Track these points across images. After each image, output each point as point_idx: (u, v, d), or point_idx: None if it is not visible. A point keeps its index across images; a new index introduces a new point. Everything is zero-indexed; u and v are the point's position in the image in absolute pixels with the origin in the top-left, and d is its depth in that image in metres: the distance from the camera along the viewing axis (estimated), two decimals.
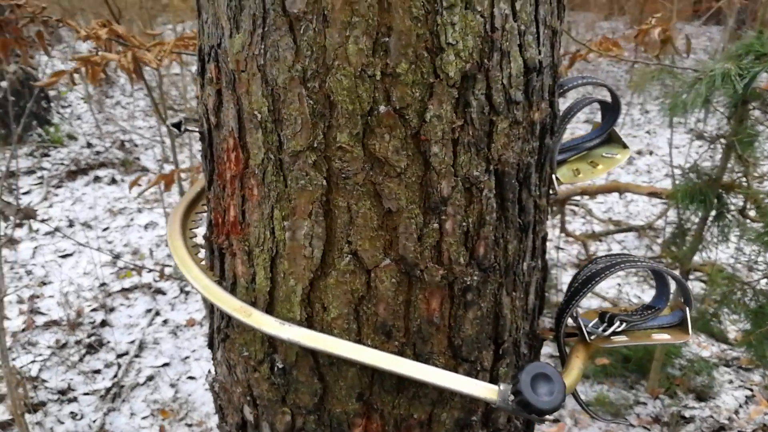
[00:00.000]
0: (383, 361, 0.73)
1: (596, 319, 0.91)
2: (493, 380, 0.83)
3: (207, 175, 0.84)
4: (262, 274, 0.78)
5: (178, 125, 0.79)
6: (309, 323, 0.76)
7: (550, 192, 0.97)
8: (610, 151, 1.03)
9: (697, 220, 2.32)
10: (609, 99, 1.00)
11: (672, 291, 0.94)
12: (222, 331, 0.87)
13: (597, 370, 2.78)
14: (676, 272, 0.91)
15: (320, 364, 0.78)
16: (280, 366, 0.79)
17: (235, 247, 0.80)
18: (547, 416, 0.73)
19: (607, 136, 1.06)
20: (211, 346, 0.94)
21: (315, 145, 0.69)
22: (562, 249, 3.79)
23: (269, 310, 0.78)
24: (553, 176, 0.97)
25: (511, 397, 0.72)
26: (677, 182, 2.28)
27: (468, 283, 0.76)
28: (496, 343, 0.82)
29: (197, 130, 0.81)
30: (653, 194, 2.25)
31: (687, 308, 0.89)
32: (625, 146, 1.05)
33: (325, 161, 0.70)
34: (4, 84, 3.84)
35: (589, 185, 2.75)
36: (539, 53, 0.75)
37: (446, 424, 0.81)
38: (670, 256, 2.45)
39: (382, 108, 0.67)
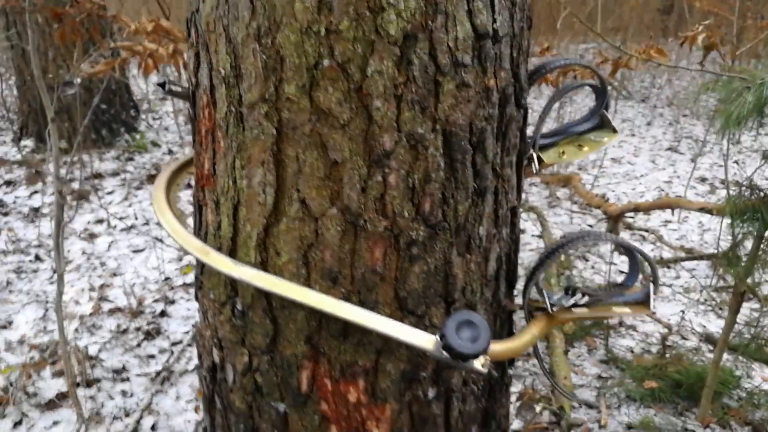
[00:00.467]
0: (326, 304, 0.78)
1: (561, 292, 0.91)
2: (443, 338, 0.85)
3: (192, 134, 0.92)
4: (225, 221, 0.84)
5: (162, 85, 0.88)
6: (263, 267, 0.82)
7: (533, 169, 1.00)
8: (599, 135, 1.04)
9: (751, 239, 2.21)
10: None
11: (646, 272, 0.93)
12: (198, 279, 0.94)
13: (645, 393, 2.67)
14: (642, 248, 0.90)
15: (273, 306, 0.83)
16: (239, 308, 0.85)
17: (207, 198, 0.87)
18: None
19: (599, 121, 1.07)
20: (196, 297, 1.01)
21: (267, 97, 0.76)
22: (623, 272, 3.66)
23: (231, 255, 0.84)
24: (534, 155, 0.99)
25: (441, 344, 0.74)
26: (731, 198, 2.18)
27: (413, 237, 0.80)
28: (447, 301, 0.85)
29: (180, 91, 0.89)
30: (704, 210, 2.16)
31: (652, 285, 0.88)
32: (614, 131, 1.05)
33: (276, 112, 0.76)
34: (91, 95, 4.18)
35: (642, 202, 2.68)
36: (493, 21, 0.79)
37: (391, 374, 0.84)
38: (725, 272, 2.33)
39: (326, 62, 0.73)
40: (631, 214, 4.22)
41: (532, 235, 4.43)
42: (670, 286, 3.58)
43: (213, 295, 0.89)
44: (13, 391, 2.64)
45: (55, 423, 2.51)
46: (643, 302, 0.89)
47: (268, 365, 0.85)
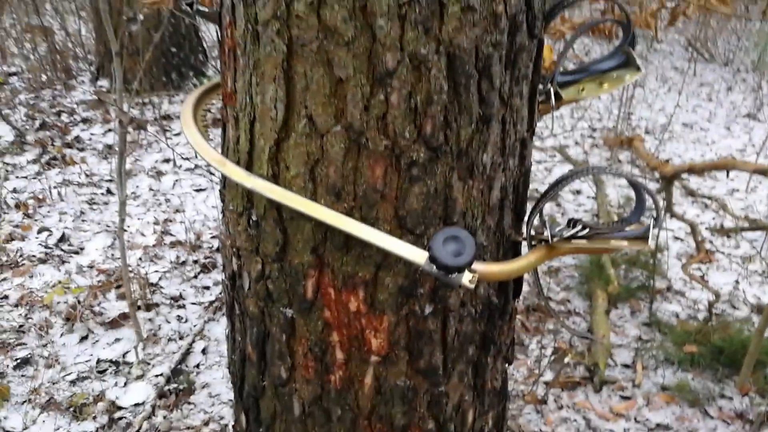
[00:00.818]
0: (329, 217, 0.83)
1: (564, 225, 0.93)
2: None
3: (220, 55, 0.98)
4: (243, 136, 0.90)
5: (190, 4, 0.93)
6: (275, 180, 0.88)
7: (548, 104, 1.00)
8: (622, 73, 1.04)
9: None
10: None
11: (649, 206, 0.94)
12: (222, 193, 1.01)
13: (684, 357, 2.63)
14: (647, 184, 0.90)
15: (283, 217, 0.89)
16: (254, 218, 0.92)
17: (228, 114, 0.93)
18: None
19: (624, 58, 1.06)
20: (222, 212, 1.09)
21: (278, 14, 0.80)
22: (678, 238, 3.56)
23: (248, 168, 0.90)
24: (551, 90, 1.00)
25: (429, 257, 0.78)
26: None
27: (414, 158, 0.83)
28: (446, 223, 0.88)
29: (208, 11, 0.94)
30: (759, 172, 2.08)
31: (653, 220, 0.88)
32: (638, 68, 1.04)
33: (287, 29, 0.80)
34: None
35: (697, 163, 2.58)
36: None
37: (389, 287, 0.89)
38: None
39: None
40: (698, 180, 4.07)
41: (588, 197, 4.34)
42: (728, 255, 3.46)
43: (232, 206, 0.95)
44: (81, 309, 2.86)
45: (117, 340, 2.73)
46: (642, 238, 0.89)
47: (278, 273, 0.92)
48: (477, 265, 0.83)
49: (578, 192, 4.40)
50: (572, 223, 0.94)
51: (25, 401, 2.37)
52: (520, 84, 0.91)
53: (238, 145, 0.91)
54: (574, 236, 0.93)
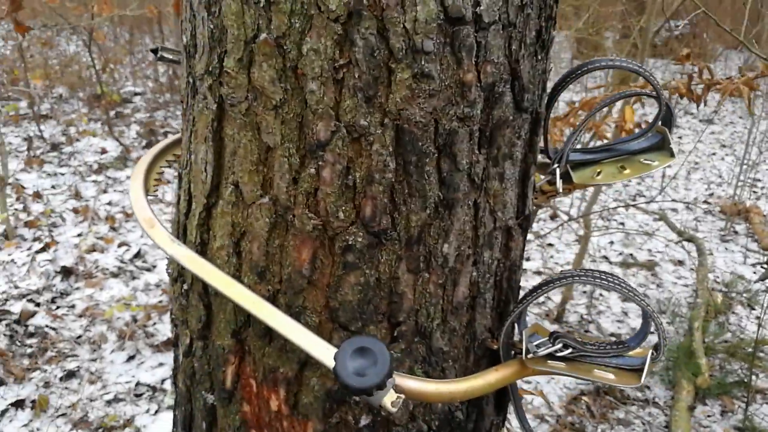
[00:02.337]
0: (244, 298, 0.72)
1: (546, 338, 0.77)
2: None
3: None
4: (182, 196, 0.82)
5: (155, 51, 0.87)
6: (202, 249, 0.78)
7: (545, 191, 0.85)
8: (651, 157, 0.86)
9: None
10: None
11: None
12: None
13: None
14: (653, 309, 0.71)
15: (208, 292, 0.79)
16: (185, 288, 0.82)
17: (177, 172, 0.85)
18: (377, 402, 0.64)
19: (658, 140, 0.89)
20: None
21: (210, 69, 0.71)
22: None
23: (183, 231, 0.81)
24: (557, 173, 0.85)
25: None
26: None
27: (350, 242, 0.71)
28: (390, 321, 0.74)
29: (172, 57, 0.88)
30: None
31: (651, 353, 0.70)
32: (671, 154, 0.87)
33: (218, 86, 0.71)
34: None
35: None
36: (475, 4, 0.67)
37: (315, 390, 0.76)
38: None
39: (262, 35, 0.66)
40: None
41: (690, 269, 3.94)
42: None
43: (170, 270, 0.87)
44: (134, 327, 2.92)
45: (160, 364, 2.74)
46: (637, 370, 0.71)
47: (202, 351, 0.82)
48: (406, 382, 0.68)
49: (680, 263, 4.01)
50: (554, 338, 0.76)
51: (60, 415, 2.41)
52: (501, 165, 0.76)
53: (179, 205, 0.83)
54: (551, 355, 0.76)
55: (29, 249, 3.51)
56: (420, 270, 0.74)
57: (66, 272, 3.31)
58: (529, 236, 4.07)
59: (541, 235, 3.83)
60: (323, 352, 0.66)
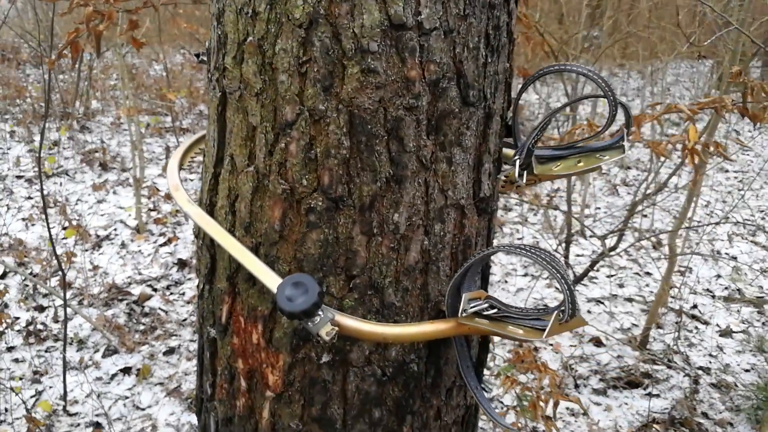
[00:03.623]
0: (229, 245, 0.90)
1: (479, 300, 0.89)
2: (339, 308, 0.90)
3: None
4: (204, 168, 1.02)
5: (197, 55, 1.09)
6: (210, 209, 0.98)
7: (513, 181, 0.97)
8: (604, 154, 0.97)
9: None
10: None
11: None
12: None
13: None
14: (567, 274, 0.80)
15: (214, 243, 0.98)
16: (200, 242, 1.03)
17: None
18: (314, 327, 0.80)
19: (618, 139, 0.98)
20: None
21: (217, 66, 0.91)
22: None
23: (202, 197, 1.02)
24: (517, 164, 0.97)
25: None
26: None
27: (312, 205, 0.87)
28: (347, 274, 0.90)
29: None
30: None
31: (556, 314, 0.80)
32: (623, 150, 0.96)
33: (222, 79, 0.91)
34: None
35: None
36: (417, 13, 0.82)
37: (284, 326, 0.92)
38: None
39: (249, 38, 0.85)
40: None
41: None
42: None
43: (194, 228, 1.08)
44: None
45: None
46: (541, 330, 0.80)
47: (208, 293, 1.01)
48: (344, 320, 0.83)
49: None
50: (487, 300, 0.88)
51: (159, 383, 2.75)
52: (448, 150, 0.89)
53: (202, 175, 1.04)
54: (479, 314, 0.87)
55: (155, 242, 3.99)
56: (373, 233, 0.89)
57: (182, 264, 3.72)
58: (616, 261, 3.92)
59: (607, 254, 3.73)
60: (272, 283, 0.83)
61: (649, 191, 3.34)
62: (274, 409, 0.96)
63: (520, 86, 0.99)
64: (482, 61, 0.89)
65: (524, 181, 0.99)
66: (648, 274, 4.02)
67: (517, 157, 0.98)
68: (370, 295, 0.91)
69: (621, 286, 3.86)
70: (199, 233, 1.03)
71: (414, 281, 0.93)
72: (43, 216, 3.97)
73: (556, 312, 0.79)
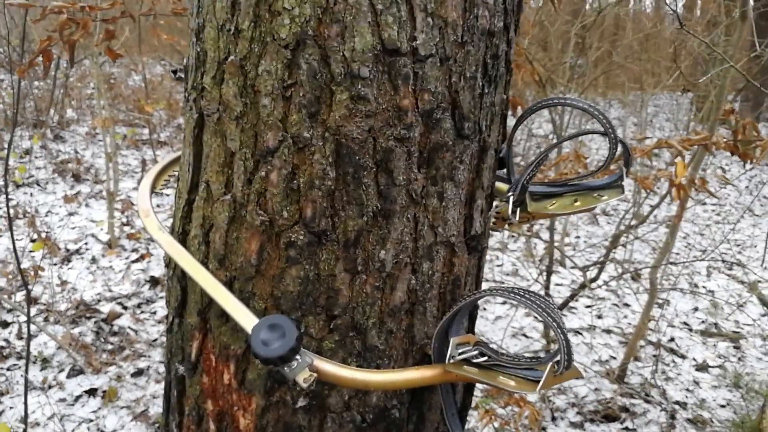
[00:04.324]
0: (202, 279, 0.84)
1: (468, 345, 0.83)
2: (318, 351, 0.84)
3: None
4: (177, 193, 0.96)
5: (174, 71, 1.03)
6: (183, 238, 0.91)
7: (506, 218, 0.93)
8: (603, 193, 0.92)
9: None
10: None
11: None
12: None
13: None
14: (563, 322, 0.75)
15: (185, 275, 0.91)
16: (170, 272, 0.96)
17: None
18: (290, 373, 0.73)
19: (617, 177, 0.94)
20: None
21: (195, 85, 0.85)
22: None
23: (175, 224, 0.95)
24: (510, 201, 0.92)
25: None
26: None
27: (293, 239, 0.81)
28: (327, 314, 0.84)
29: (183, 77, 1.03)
30: None
31: (551, 366, 0.74)
32: (622, 191, 0.92)
33: (200, 99, 0.85)
34: None
35: None
36: (411, 38, 0.77)
37: (258, 367, 0.85)
38: None
39: (231, 57, 0.80)
40: None
41: None
42: None
43: (164, 257, 1.01)
44: None
45: None
46: (534, 382, 0.75)
47: (177, 328, 0.94)
48: (323, 365, 0.77)
49: None
50: (477, 347, 0.82)
51: (125, 407, 2.64)
52: (440, 185, 0.84)
53: (176, 200, 0.97)
54: (468, 361, 0.82)
55: (127, 258, 3.88)
56: (357, 271, 0.83)
57: (154, 282, 3.62)
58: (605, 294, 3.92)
59: (589, 287, 3.71)
60: (247, 323, 0.76)
61: (631, 223, 3.32)
62: None
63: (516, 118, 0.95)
64: (479, 92, 0.85)
65: (517, 218, 0.94)
66: (626, 305, 4.01)
67: (510, 194, 0.93)
68: (352, 337, 0.85)
69: (599, 317, 3.83)
70: (169, 263, 0.96)
71: (399, 323, 0.87)
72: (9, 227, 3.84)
73: (551, 364, 0.74)
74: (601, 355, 3.38)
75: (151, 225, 0.92)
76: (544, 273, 2.85)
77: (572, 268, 3.86)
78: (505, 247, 4.56)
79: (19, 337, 3.02)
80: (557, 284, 3.98)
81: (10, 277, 3.45)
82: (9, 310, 3.20)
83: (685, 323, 3.88)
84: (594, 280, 2.99)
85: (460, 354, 0.82)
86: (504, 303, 3.80)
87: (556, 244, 4.25)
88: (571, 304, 3.83)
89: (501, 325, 3.53)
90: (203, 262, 0.88)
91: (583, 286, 3.01)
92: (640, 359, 3.35)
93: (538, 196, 0.96)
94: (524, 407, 1.86)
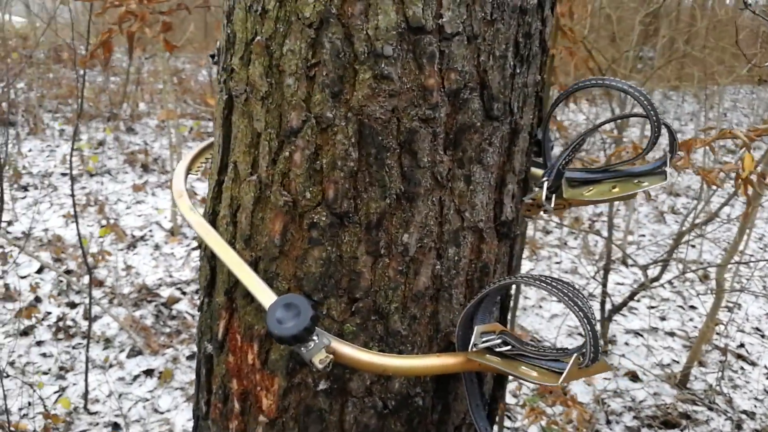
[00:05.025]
0: (228, 258, 0.85)
1: (493, 334, 0.81)
2: (339, 334, 0.83)
3: None
4: (210, 177, 0.97)
5: (212, 56, 1.04)
6: (213, 218, 0.93)
7: (540, 205, 0.90)
8: (643, 179, 0.88)
9: None
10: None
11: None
12: None
13: None
14: (592, 312, 0.72)
15: (214, 255, 0.93)
16: (203, 252, 0.97)
17: None
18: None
19: (661, 163, 0.90)
20: None
21: (225, 66, 0.86)
22: None
23: (206, 205, 0.97)
24: (544, 186, 0.89)
25: None
26: None
27: (315, 220, 0.81)
28: (350, 297, 0.83)
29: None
30: None
31: (576, 357, 0.71)
32: (664, 177, 0.87)
33: (229, 81, 0.86)
34: None
35: None
36: (437, 16, 0.75)
37: (281, 350, 0.86)
38: None
39: (257, 38, 0.80)
40: None
41: None
42: None
43: (196, 237, 1.02)
44: None
45: None
46: (558, 373, 0.72)
47: (207, 307, 0.96)
48: (341, 347, 0.76)
49: None
50: (500, 336, 0.80)
51: (179, 388, 2.72)
52: (467, 167, 0.82)
53: (209, 182, 0.98)
54: (491, 350, 0.79)
55: (188, 246, 4.00)
56: (380, 254, 0.82)
57: None
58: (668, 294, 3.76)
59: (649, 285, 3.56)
60: (267, 301, 0.76)
61: (698, 221, 3.17)
62: None
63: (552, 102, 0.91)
64: (510, 72, 0.82)
65: (552, 205, 0.90)
66: (693, 308, 3.83)
67: (545, 179, 0.89)
68: (374, 321, 0.84)
69: (663, 318, 3.68)
70: (201, 243, 0.98)
71: (423, 309, 0.85)
72: (83, 214, 4.03)
73: (575, 355, 0.71)
74: (662, 359, 3.24)
75: (184, 205, 0.94)
76: (602, 271, 2.76)
77: (632, 266, 3.72)
78: (564, 244, 4.44)
79: (85, 317, 3.17)
80: (618, 283, 3.85)
81: (80, 261, 3.62)
82: (77, 292, 3.36)
83: (756, 328, 3.68)
84: (655, 279, 2.87)
85: (483, 342, 0.79)
86: (560, 302, 3.70)
87: (618, 242, 4.10)
88: (632, 304, 3.69)
89: (556, 323, 3.44)
90: (230, 242, 0.88)
91: (643, 286, 2.89)
92: (705, 365, 3.19)
93: (576, 182, 0.92)
94: (572, 407, 1.80)
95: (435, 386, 0.89)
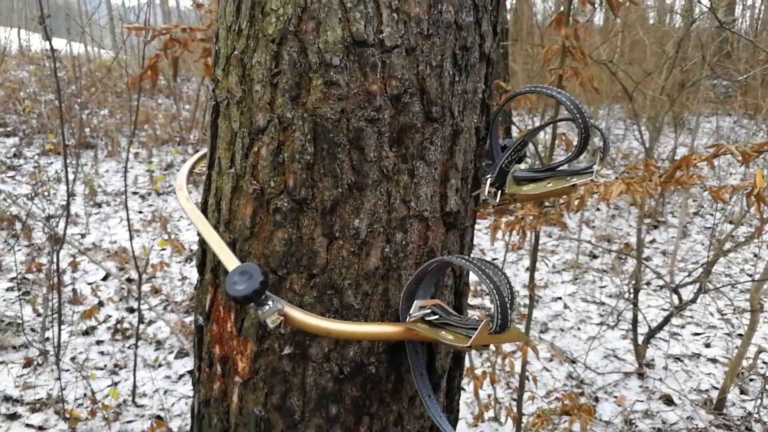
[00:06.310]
0: (207, 236, 1.00)
1: (429, 309, 0.93)
2: (300, 305, 0.97)
3: None
4: (206, 171, 1.14)
5: None
6: (204, 207, 1.09)
7: (481, 197, 1.01)
8: (574, 177, 0.98)
9: None
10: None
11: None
12: None
13: None
14: (505, 285, 0.82)
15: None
16: (199, 237, 1.13)
17: None
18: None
19: (590, 165, 1.00)
20: None
21: (213, 77, 1.03)
22: None
23: (202, 196, 1.13)
24: (487, 182, 1.01)
25: None
26: None
27: (278, 205, 0.95)
28: (309, 273, 0.96)
29: None
30: None
31: (485, 322, 0.82)
32: (592, 174, 0.98)
33: (216, 89, 1.02)
34: None
35: None
36: (378, 32, 0.89)
37: (252, 318, 1.00)
38: None
39: (235, 53, 0.96)
40: None
41: None
42: None
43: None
44: None
45: None
46: (468, 337, 0.82)
47: (200, 284, 1.11)
48: (291, 311, 0.89)
49: None
50: (430, 307, 0.91)
51: None
52: (410, 162, 0.94)
53: (205, 177, 1.15)
54: (422, 320, 0.90)
55: None
56: (334, 236, 0.95)
57: None
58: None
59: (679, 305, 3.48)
60: (229, 260, 0.91)
61: (725, 245, 3.12)
62: (242, 395, 1.03)
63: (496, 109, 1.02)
64: (449, 80, 0.94)
65: (497, 200, 1.01)
66: (740, 336, 3.72)
67: (489, 176, 1.00)
68: (330, 295, 0.96)
69: (707, 345, 3.60)
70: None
71: (374, 286, 0.97)
72: (148, 229, 4.34)
73: (485, 321, 0.81)
74: (701, 384, 3.18)
75: (182, 196, 1.10)
76: (632, 290, 2.77)
77: (662, 287, 3.67)
78: (612, 269, 4.41)
79: (141, 321, 3.42)
80: (649, 306, 3.79)
81: (140, 271, 3.91)
82: (136, 299, 3.63)
83: None
84: (690, 303, 2.85)
85: (417, 313, 0.90)
86: (600, 324, 3.69)
87: (664, 266, 4.05)
88: (676, 330, 3.63)
89: (594, 345, 3.43)
90: (215, 226, 1.04)
91: (678, 308, 2.87)
92: (746, 392, 3.11)
93: (524, 180, 1.03)
94: (576, 415, 1.84)
95: (388, 357, 1.01)
